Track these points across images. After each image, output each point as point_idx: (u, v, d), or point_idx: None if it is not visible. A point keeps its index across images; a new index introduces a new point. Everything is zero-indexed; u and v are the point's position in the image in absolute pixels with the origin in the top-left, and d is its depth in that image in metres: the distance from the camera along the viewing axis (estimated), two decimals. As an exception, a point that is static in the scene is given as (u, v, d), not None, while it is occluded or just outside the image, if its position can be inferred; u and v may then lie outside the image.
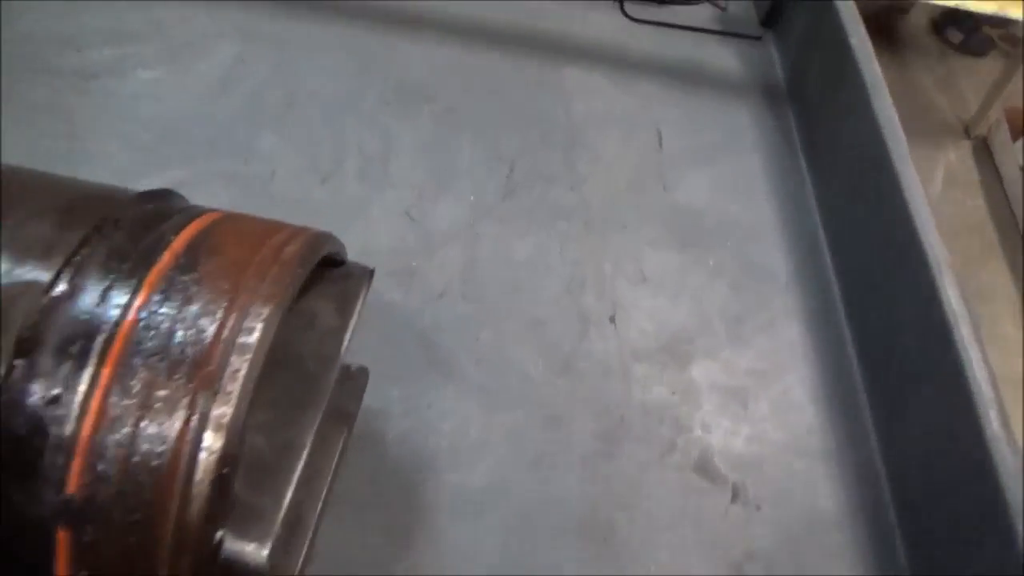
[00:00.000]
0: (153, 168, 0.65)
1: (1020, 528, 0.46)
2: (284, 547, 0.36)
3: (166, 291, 0.33)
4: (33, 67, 0.69)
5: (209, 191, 0.64)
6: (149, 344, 0.32)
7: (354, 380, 0.50)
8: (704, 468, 0.57)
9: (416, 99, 0.73)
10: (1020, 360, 1.49)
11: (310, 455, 0.38)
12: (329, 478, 0.45)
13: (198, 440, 0.30)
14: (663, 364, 0.61)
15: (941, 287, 0.55)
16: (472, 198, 0.68)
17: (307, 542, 0.44)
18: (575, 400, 0.59)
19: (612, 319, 0.63)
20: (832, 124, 0.71)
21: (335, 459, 0.47)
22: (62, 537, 0.30)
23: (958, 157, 2.03)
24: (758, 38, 0.82)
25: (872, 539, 0.55)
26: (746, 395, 0.60)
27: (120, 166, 0.65)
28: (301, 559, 0.43)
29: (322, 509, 0.45)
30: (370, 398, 0.53)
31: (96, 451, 0.30)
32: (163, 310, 0.33)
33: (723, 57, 0.81)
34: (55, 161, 0.58)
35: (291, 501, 0.35)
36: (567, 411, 0.58)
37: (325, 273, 0.44)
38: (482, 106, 0.73)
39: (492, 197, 0.68)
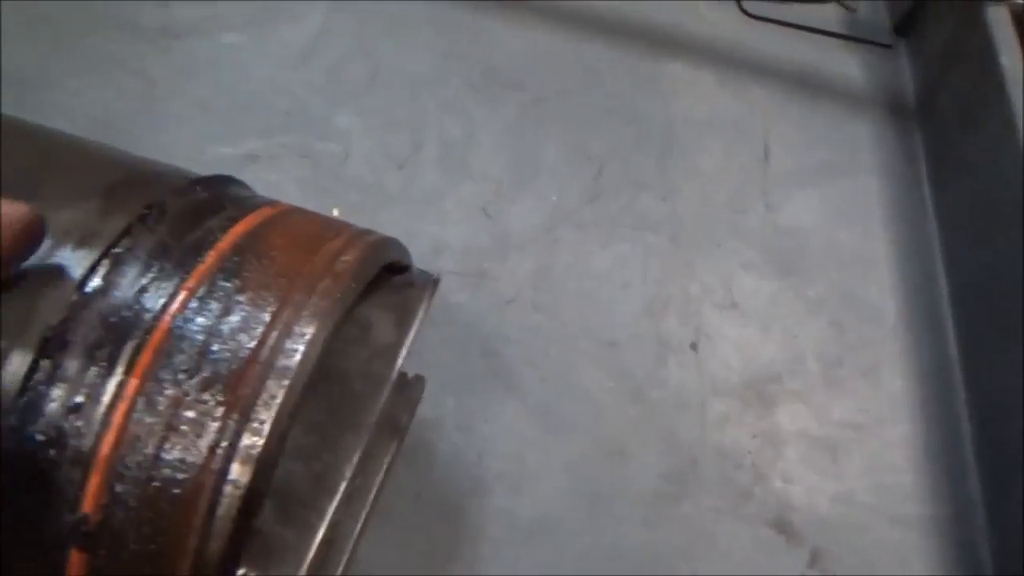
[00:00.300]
0: (227, 137, 0.63)
1: None
2: (320, 566, 0.33)
3: (205, 298, 0.30)
4: (119, 22, 0.67)
5: (280, 167, 0.62)
6: (181, 357, 0.29)
7: (409, 390, 0.46)
8: (781, 525, 0.51)
9: (503, 86, 0.68)
10: None
11: (351, 478, 0.35)
12: (372, 495, 0.42)
13: (224, 471, 0.27)
14: (746, 403, 0.55)
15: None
16: (554, 199, 0.63)
17: (344, 560, 0.40)
18: (645, 434, 0.54)
19: (694, 346, 0.57)
20: (967, 152, 0.63)
21: (380, 475, 0.43)
22: (75, 558, 0.27)
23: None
24: (889, 46, 0.74)
25: (968, 632, 0.49)
26: (837, 448, 0.54)
27: (195, 132, 0.62)
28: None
29: (363, 525, 0.42)
30: (424, 405, 0.49)
31: (115, 470, 0.27)
32: (200, 320, 0.29)
33: (847, 65, 0.73)
34: (131, 122, 0.56)
35: (327, 526, 0.31)
36: (635, 445, 0.53)
37: (385, 279, 0.40)
38: (574, 99, 0.68)
39: (575, 200, 0.63)
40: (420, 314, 0.39)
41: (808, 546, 0.51)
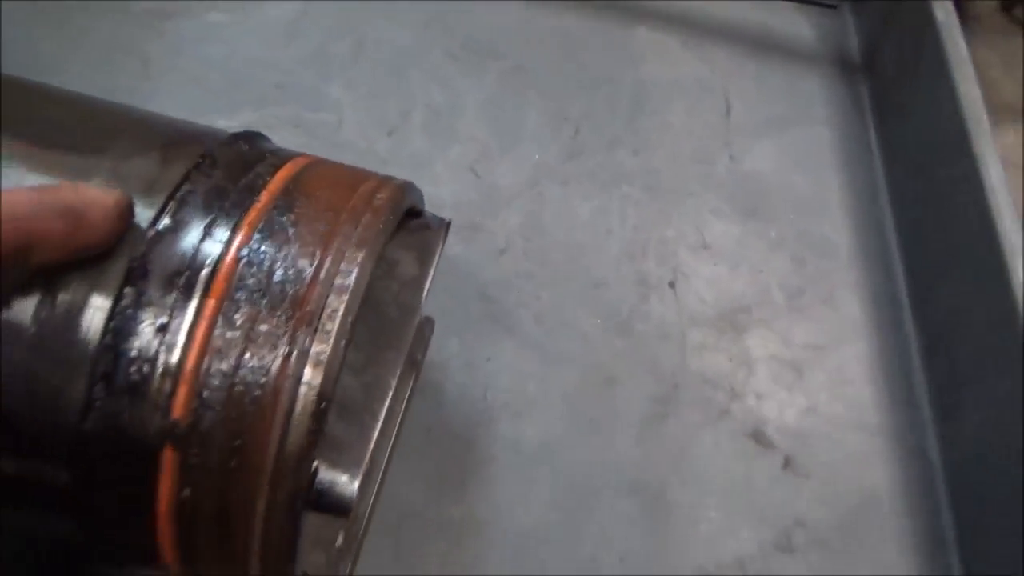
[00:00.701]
0: (223, 110, 0.66)
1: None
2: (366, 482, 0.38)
3: (265, 231, 0.34)
4: (113, 8, 0.69)
5: (278, 136, 0.64)
6: (251, 280, 0.33)
7: (421, 330, 0.51)
8: (756, 435, 0.57)
9: (483, 56, 0.73)
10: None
11: (395, 387, 0.39)
12: (398, 421, 0.47)
13: (298, 375, 0.32)
14: (720, 331, 0.61)
15: (1015, 273, 0.54)
16: (536, 157, 0.68)
17: (378, 481, 0.45)
18: (632, 362, 0.59)
19: (672, 284, 0.63)
20: (908, 99, 0.69)
21: (403, 405, 0.48)
22: (168, 457, 0.31)
23: (1015, 138, 1.97)
24: (834, 6, 0.80)
25: (921, 518, 0.55)
26: (802, 367, 0.61)
27: (191, 106, 0.66)
28: (372, 497, 0.45)
29: (391, 452, 0.47)
30: (431, 349, 0.54)
31: (201, 379, 0.31)
32: (263, 248, 0.34)
33: (798, 26, 0.79)
34: (131, 97, 0.59)
35: (380, 426, 0.36)
36: (623, 373, 0.59)
37: (404, 223, 0.45)
38: (550, 66, 0.73)
39: (556, 158, 0.68)
40: (439, 251, 0.44)
41: (781, 453, 0.57)
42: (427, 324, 0.53)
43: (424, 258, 0.44)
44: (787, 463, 0.57)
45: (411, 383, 0.50)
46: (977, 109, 0.61)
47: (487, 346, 0.58)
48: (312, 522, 0.39)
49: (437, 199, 0.63)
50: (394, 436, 0.48)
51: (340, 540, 0.41)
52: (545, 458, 0.55)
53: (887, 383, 0.61)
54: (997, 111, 2.00)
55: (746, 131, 0.72)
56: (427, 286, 0.43)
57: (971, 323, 0.58)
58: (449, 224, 0.46)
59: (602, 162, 0.68)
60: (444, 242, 0.45)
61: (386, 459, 0.47)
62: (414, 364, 0.50)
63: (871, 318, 0.63)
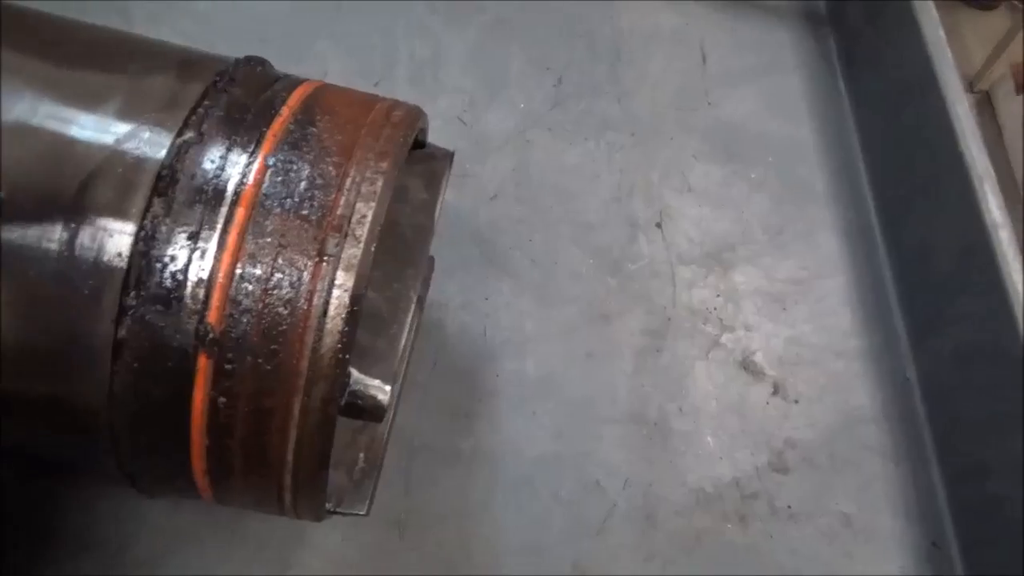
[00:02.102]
0: (205, 66, 0.66)
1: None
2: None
3: (289, 142, 0.35)
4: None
5: (267, 87, 0.64)
6: (279, 189, 0.33)
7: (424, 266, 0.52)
8: (746, 364, 0.60)
9: (465, 9, 0.73)
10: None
11: (417, 300, 0.40)
12: (407, 352, 0.48)
13: (331, 278, 0.32)
14: (708, 269, 0.63)
15: (982, 195, 0.57)
16: (522, 106, 0.69)
17: (393, 409, 0.46)
18: (625, 299, 0.61)
19: (659, 225, 0.65)
20: (873, 45, 0.72)
21: (412, 336, 0.49)
22: (203, 363, 0.32)
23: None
24: (799, -39, 0.83)
25: (904, 434, 0.58)
26: (786, 300, 0.63)
27: (173, 62, 0.65)
28: (388, 424, 0.45)
29: (402, 382, 0.48)
30: (431, 291, 0.55)
31: (235, 285, 0.32)
32: (290, 158, 0.34)
33: (768, -23, 0.81)
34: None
35: (405, 336, 0.37)
36: (617, 310, 0.60)
37: (411, 152, 0.45)
38: (530, 18, 0.74)
39: (541, 106, 0.69)
40: (446, 177, 0.45)
41: (770, 380, 0.59)
42: (428, 263, 0.53)
43: (433, 184, 0.44)
44: (776, 389, 0.59)
45: (416, 320, 0.51)
46: (942, 47, 0.64)
47: (484, 287, 0.59)
48: (335, 442, 0.40)
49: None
50: (404, 371, 0.49)
51: (361, 461, 0.42)
52: (547, 391, 0.56)
53: (865, 311, 0.63)
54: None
55: (722, 79, 0.74)
56: (438, 209, 0.44)
57: (941, 249, 0.61)
58: (453, 155, 0.47)
59: (586, 109, 0.69)
60: (450, 171, 0.46)
61: (398, 390, 0.48)
62: (418, 301, 0.51)
63: (847, 252, 0.66)
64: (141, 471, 0.36)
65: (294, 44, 0.68)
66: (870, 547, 0.54)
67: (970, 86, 2.12)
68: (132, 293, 0.31)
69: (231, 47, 0.67)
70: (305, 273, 0.32)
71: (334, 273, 0.32)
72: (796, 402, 0.59)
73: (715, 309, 0.62)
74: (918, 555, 0.54)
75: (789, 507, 0.55)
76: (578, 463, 0.54)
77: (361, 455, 0.42)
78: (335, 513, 0.39)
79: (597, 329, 0.59)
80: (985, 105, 2.15)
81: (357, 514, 0.40)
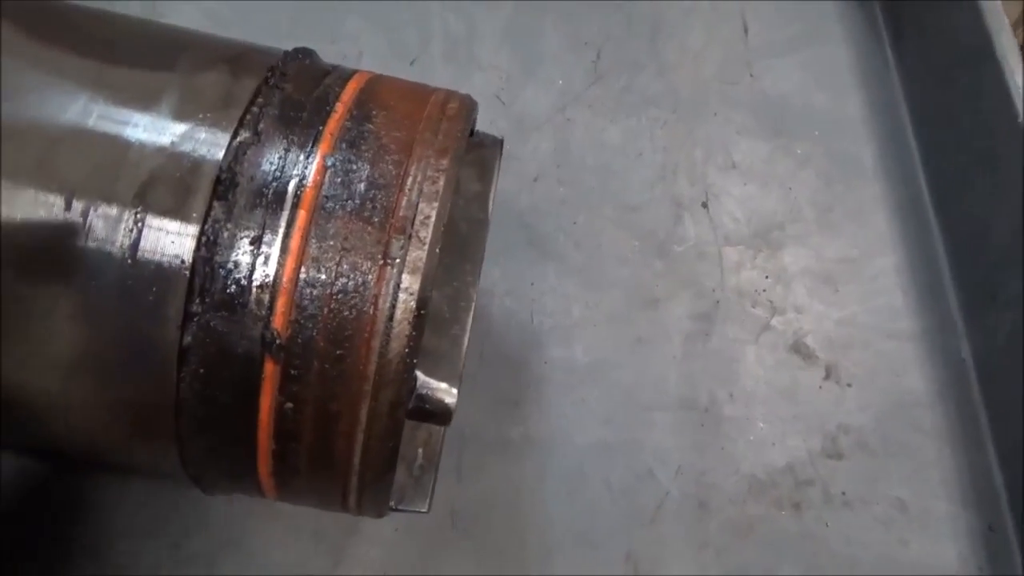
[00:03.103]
0: (237, 48, 0.64)
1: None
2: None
3: (347, 140, 0.34)
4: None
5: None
6: (340, 190, 0.32)
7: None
8: (797, 347, 0.59)
9: (498, -18, 0.71)
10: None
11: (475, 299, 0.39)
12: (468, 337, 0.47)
13: (397, 281, 0.31)
14: (756, 249, 0.62)
15: (1045, 172, 0.55)
16: (560, 83, 0.67)
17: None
18: (672, 282, 0.60)
19: (705, 205, 0.63)
20: (921, 14, 0.69)
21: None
22: (269, 369, 0.31)
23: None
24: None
25: (959, 417, 0.57)
26: (836, 280, 0.62)
27: (205, 45, 0.64)
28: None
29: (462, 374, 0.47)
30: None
31: (300, 289, 0.31)
32: (349, 158, 0.33)
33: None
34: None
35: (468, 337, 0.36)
36: (665, 293, 0.59)
37: (460, 141, 0.44)
38: (566, -10, 0.72)
39: (580, 83, 0.67)
40: (497, 166, 0.44)
41: (822, 363, 0.58)
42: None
43: (485, 174, 0.43)
44: (828, 373, 0.58)
45: (471, 311, 0.50)
46: (998, 12, 0.61)
47: (529, 272, 0.58)
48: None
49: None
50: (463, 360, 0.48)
51: (420, 457, 0.42)
52: (595, 378, 0.56)
53: (918, 291, 0.62)
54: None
55: (765, 51, 0.72)
56: (491, 201, 0.42)
57: (998, 225, 0.59)
58: (502, 142, 0.46)
59: (626, 85, 0.68)
60: (500, 160, 0.45)
61: (461, 374, 0.48)
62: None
63: (899, 230, 0.64)
64: (206, 471, 0.36)
65: (326, 23, 0.67)
66: (926, 533, 0.53)
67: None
68: (196, 300, 0.31)
69: (261, 30, 0.66)
70: (370, 277, 0.31)
71: (399, 276, 0.31)
72: (849, 386, 0.58)
73: (764, 291, 0.60)
74: (974, 539, 0.54)
75: (843, 493, 0.54)
76: (629, 450, 0.53)
77: (420, 451, 0.42)
78: (397, 511, 0.39)
79: (645, 313, 0.58)
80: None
81: (419, 511, 0.40)
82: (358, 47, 0.66)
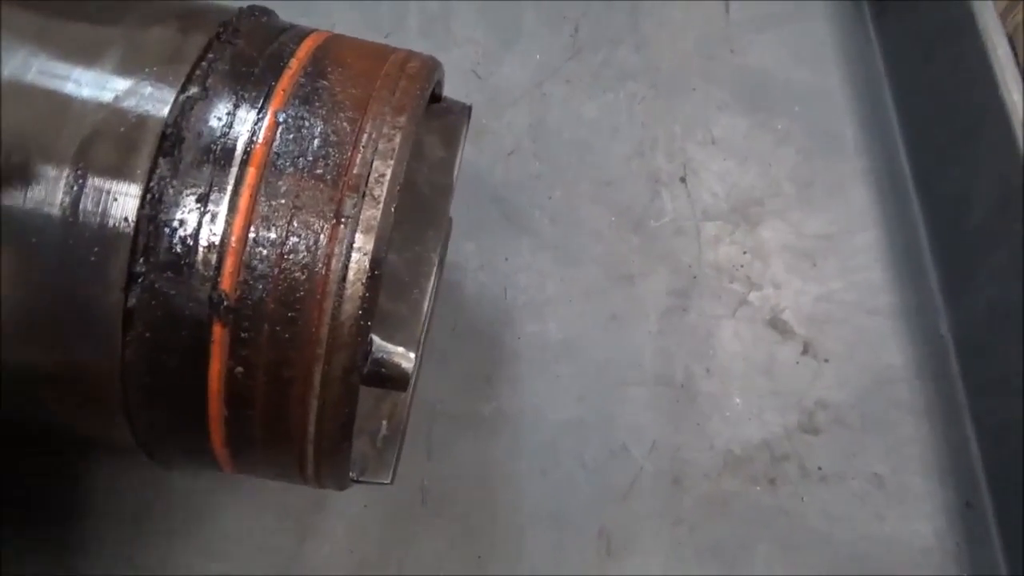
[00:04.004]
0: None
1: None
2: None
3: (300, 96, 0.33)
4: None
5: (272, 42, 0.62)
6: (291, 147, 0.31)
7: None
8: (775, 323, 0.58)
9: (474, -45, 0.70)
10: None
11: (438, 263, 0.38)
12: (430, 314, 0.46)
13: (350, 241, 0.30)
14: (734, 224, 0.61)
15: (1022, 142, 0.54)
16: (538, 57, 0.66)
17: (415, 374, 0.44)
18: (648, 258, 0.59)
19: (683, 180, 0.62)
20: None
21: (433, 298, 0.47)
22: (218, 333, 0.30)
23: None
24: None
25: (937, 393, 0.57)
26: (815, 255, 0.61)
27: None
28: (414, 386, 0.44)
29: (423, 346, 0.46)
30: (448, 252, 0.53)
31: (249, 249, 0.30)
32: (301, 114, 0.32)
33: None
34: None
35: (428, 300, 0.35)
36: (641, 268, 0.58)
37: (427, 108, 0.43)
38: (544, -37, 0.70)
39: (558, 57, 0.66)
40: (464, 133, 0.43)
41: (800, 339, 0.58)
42: (447, 223, 0.51)
43: (451, 140, 0.42)
44: (806, 348, 0.57)
45: (437, 281, 0.49)
46: (981, -15, 0.60)
47: (503, 247, 0.57)
48: (357, 410, 0.38)
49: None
50: (425, 332, 0.47)
51: (384, 429, 0.41)
52: (569, 354, 0.55)
53: (897, 267, 0.61)
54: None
55: (745, 26, 0.71)
56: (457, 166, 0.41)
57: (978, 200, 0.58)
58: (470, 109, 0.45)
59: (605, 60, 0.66)
60: (468, 127, 0.44)
61: (420, 355, 0.47)
62: (438, 262, 0.49)
63: (879, 205, 0.64)
64: (159, 443, 0.35)
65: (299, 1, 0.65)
66: (903, 508, 0.53)
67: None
68: (140, 260, 0.30)
69: (233, 5, 0.64)
70: (322, 236, 0.30)
71: (353, 235, 0.30)
72: (826, 361, 0.57)
73: (742, 266, 0.60)
74: (951, 515, 0.53)
75: (820, 469, 0.53)
76: (603, 427, 0.53)
77: (384, 423, 0.41)
78: (359, 482, 0.38)
79: (620, 289, 0.58)
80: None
81: (381, 483, 0.39)
82: (331, 21, 0.65)
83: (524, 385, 0.53)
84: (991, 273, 0.57)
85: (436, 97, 0.43)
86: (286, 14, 0.63)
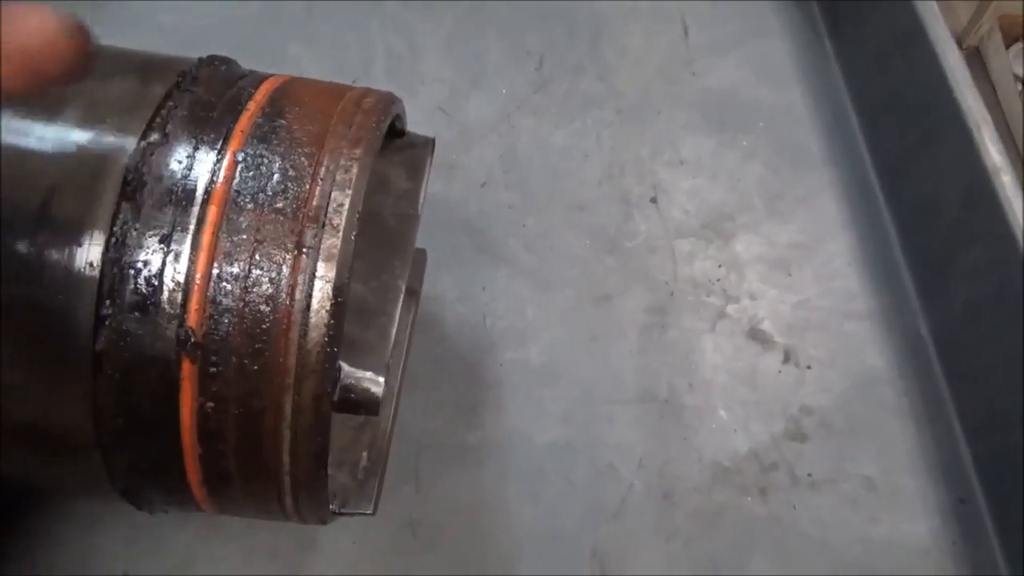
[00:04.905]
0: (181, 79, 0.65)
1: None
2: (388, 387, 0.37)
3: (258, 136, 0.34)
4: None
5: (244, 94, 0.63)
6: (251, 184, 0.32)
7: (416, 260, 0.51)
8: (754, 334, 0.58)
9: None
10: None
11: (406, 291, 0.39)
12: (405, 347, 0.46)
13: (312, 270, 0.31)
14: (707, 240, 0.62)
15: (980, 141, 0.55)
16: (504, 91, 0.67)
17: (393, 405, 0.45)
18: (625, 277, 0.60)
19: (654, 200, 0.63)
20: (856, 3, 0.71)
21: (408, 331, 0.48)
22: (187, 369, 0.31)
23: (953, 67, 2.02)
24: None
25: (921, 392, 0.57)
26: (790, 265, 0.62)
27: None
28: (392, 417, 0.44)
29: (402, 378, 0.47)
30: (425, 285, 0.54)
31: (213, 285, 0.31)
32: (259, 152, 0.33)
33: (744, -60, 0.80)
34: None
35: (396, 329, 0.35)
36: (618, 288, 0.59)
37: (389, 142, 0.44)
38: (504, 4, 0.73)
39: (524, 90, 0.68)
40: (428, 165, 0.44)
41: (780, 348, 0.58)
42: (420, 254, 0.52)
43: (414, 173, 0.43)
44: (787, 357, 0.58)
45: (413, 312, 0.50)
46: (928, -2, 0.62)
47: (481, 276, 0.58)
48: (335, 443, 0.39)
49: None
50: (402, 366, 0.48)
51: (364, 460, 0.41)
52: (552, 377, 0.55)
53: (871, 270, 0.62)
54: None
55: (706, 50, 0.73)
56: (422, 198, 0.42)
57: (944, 200, 0.59)
58: (434, 141, 0.46)
59: (569, 90, 0.68)
60: (432, 158, 0.45)
61: (398, 385, 0.47)
62: (413, 293, 0.50)
63: (849, 212, 0.65)
64: (137, 487, 0.35)
65: (267, 50, 0.67)
66: (896, 509, 0.53)
67: (959, 44, 2.10)
68: (107, 303, 0.30)
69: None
70: (284, 267, 0.31)
71: (314, 265, 0.31)
72: (808, 368, 0.57)
73: (718, 280, 0.60)
74: (945, 513, 0.53)
75: (810, 475, 0.53)
76: (590, 447, 0.53)
77: (364, 454, 0.41)
78: (341, 514, 0.38)
79: (599, 310, 0.58)
80: (975, 61, 2.12)
81: (364, 513, 0.39)
82: (300, 71, 0.66)
83: (509, 411, 0.54)
84: (963, 271, 0.58)
85: (400, 132, 0.45)
86: (256, 65, 0.65)
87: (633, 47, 0.72)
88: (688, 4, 0.76)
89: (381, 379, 0.33)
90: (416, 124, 0.65)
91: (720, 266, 0.61)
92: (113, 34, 0.66)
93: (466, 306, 0.57)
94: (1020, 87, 2.12)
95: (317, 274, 0.31)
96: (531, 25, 0.72)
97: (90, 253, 0.30)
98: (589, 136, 0.66)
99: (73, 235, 0.30)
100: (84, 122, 0.32)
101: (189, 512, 0.38)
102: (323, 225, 0.32)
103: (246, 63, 0.65)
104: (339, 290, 0.31)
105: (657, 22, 0.74)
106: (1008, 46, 2.08)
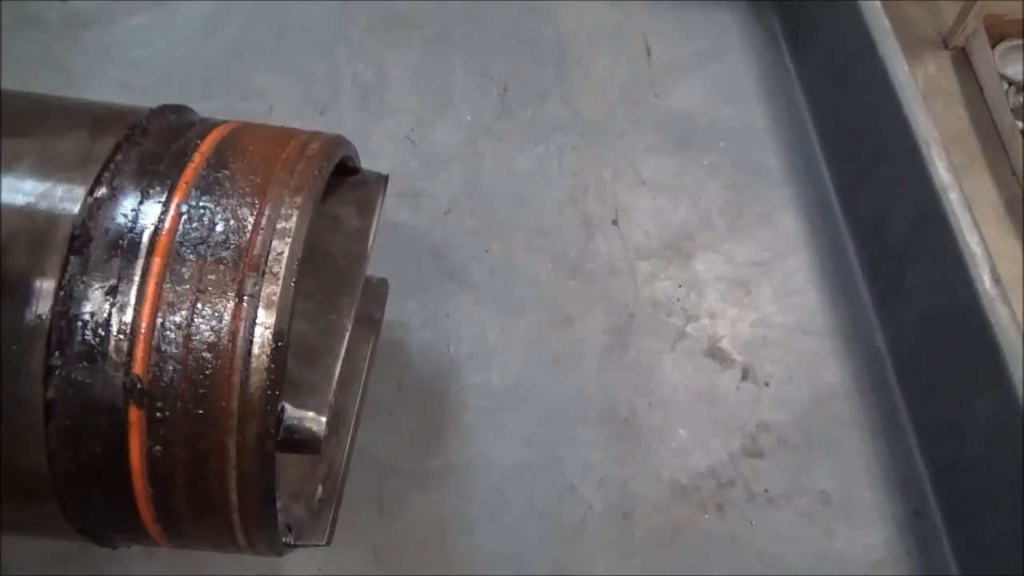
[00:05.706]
0: (153, 113, 0.66)
1: (1018, 375, 0.49)
2: (331, 435, 0.39)
3: (202, 187, 0.35)
4: (22, 21, 0.69)
5: (212, 128, 0.64)
6: (194, 235, 0.34)
7: (375, 289, 0.52)
8: (714, 352, 0.60)
9: (405, 27, 0.74)
10: (1005, 264, 1.53)
11: (347, 350, 0.40)
12: (363, 376, 0.48)
13: (252, 317, 0.33)
14: (668, 260, 0.63)
15: (929, 159, 0.57)
16: (469, 118, 0.69)
17: (350, 435, 0.46)
18: (586, 300, 0.61)
19: (615, 222, 0.65)
20: (816, 20, 0.72)
21: (366, 361, 0.49)
22: (134, 415, 0.32)
23: (937, 68, 2.03)
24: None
25: (877, 406, 0.58)
26: (749, 283, 0.63)
27: (120, 113, 0.65)
28: (347, 448, 0.46)
29: (359, 406, 0.48)
30: (389, 311, 0.55)
31: (158, 333, 0.32)
32: (203, 204, 0.34)
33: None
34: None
35: (340, 367, 0.37)
36: (579, 310, 0.60)
37: (342, 180, 0.46)
38: (471, 30, 0.74)
39: (488, 116, 0.69)
40: (379, 203, 0.45)
41: (739, 365, 0.59)
42: (381, 284, 0.54)
43: (366, 211, 0.45)
44: (745, 374, 0.59)
45: (372, 341, 0.51)
46: (878, 14, 0.64)
47: (444, 302, 0.60)
48: (290, 475, 0.40)
49: (377, 171, 0.64)
50: (360, 393, 0.49)
51: (320, 492, 0.42)
52: (514, 400, 0.56)
53: (830, 287, 0.63)
54: (915, 44, 2.05)
55: (668, 70, 0.74)
56: (372, 235, 0.44)
57: (897, 217, 0.61)
58: (387, 178, 0.47)
59: (533, 115, 0.70)
60: (384, 195, 0.47)
61: (355, 415, 0.48)
62: (373, 323, 0.51)
63: (808, 230, 0.66)
64: (94, 527, 0.36)
65: (237, 82, 0.69)
66: (852, 522, 0.54)
67: (944, 43, 2.11)
68: (56, 353, 0.32)
69: (175, 93, 0.68)
70: (226, 315, 0.32)
71: (255, 312, 0.33)
72: (767, 385, 0.59)
73: (678, 300, 0.62)
74: (901, 524, 0.54)
75: (766, 491, 0.54)
76: (551, 468, 0.54)
77: (320, 486, 0.42)
78: (295, 546, 0.39)
79: (561, 333, 0.60)
80: (962, 61, 2.13)
81: (318, 544, 0.40)
82: (268, 102, 0.68)
83: (472, 435, 0.55)
84: (916, 285, 0.59)
85: (354, 170, 0.46)
86: (227, 100, 0.66)
87: (597, 70, 0.73)
88: (651, 23, 0.77)
89: (323, 418, 0.35)
90: (384, 152, 0.67)
91: (680, 286, 0.62)
92: (88, 68, 0.68)
93: (430, 332, 0.58)
94: (1006, 86, 2.13)
95: (258, 321, 0.32)
96: (497, 51, 0.73)
97: (39, 306, 0.32)
98: (552, 160, 0.67)
99: (23, 289, 0.32)
100: (35, 176, 0.34)
101: (149, 547, 0.39)
102: (263, 273, 0.33)
103: (216, 95, 0.67)
104: (279, 335, 0.33)
105: (621, 43, 0.76)
106: (994, 45, 2.09)
